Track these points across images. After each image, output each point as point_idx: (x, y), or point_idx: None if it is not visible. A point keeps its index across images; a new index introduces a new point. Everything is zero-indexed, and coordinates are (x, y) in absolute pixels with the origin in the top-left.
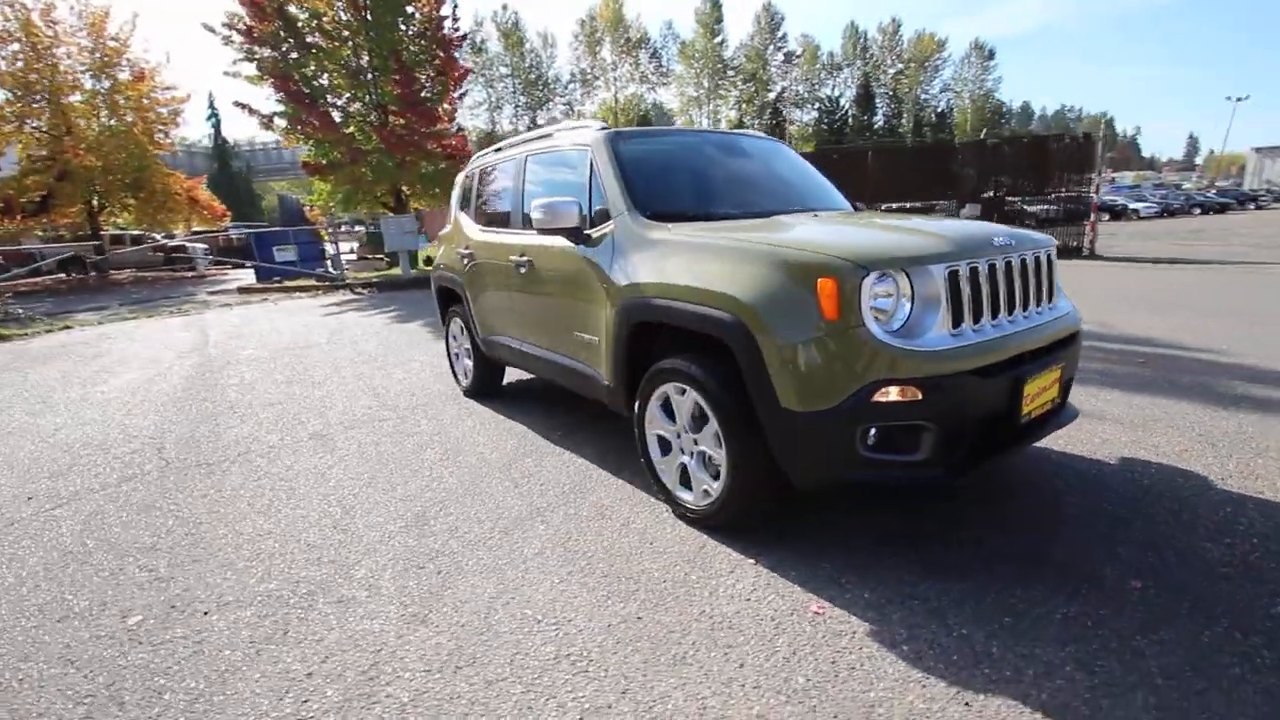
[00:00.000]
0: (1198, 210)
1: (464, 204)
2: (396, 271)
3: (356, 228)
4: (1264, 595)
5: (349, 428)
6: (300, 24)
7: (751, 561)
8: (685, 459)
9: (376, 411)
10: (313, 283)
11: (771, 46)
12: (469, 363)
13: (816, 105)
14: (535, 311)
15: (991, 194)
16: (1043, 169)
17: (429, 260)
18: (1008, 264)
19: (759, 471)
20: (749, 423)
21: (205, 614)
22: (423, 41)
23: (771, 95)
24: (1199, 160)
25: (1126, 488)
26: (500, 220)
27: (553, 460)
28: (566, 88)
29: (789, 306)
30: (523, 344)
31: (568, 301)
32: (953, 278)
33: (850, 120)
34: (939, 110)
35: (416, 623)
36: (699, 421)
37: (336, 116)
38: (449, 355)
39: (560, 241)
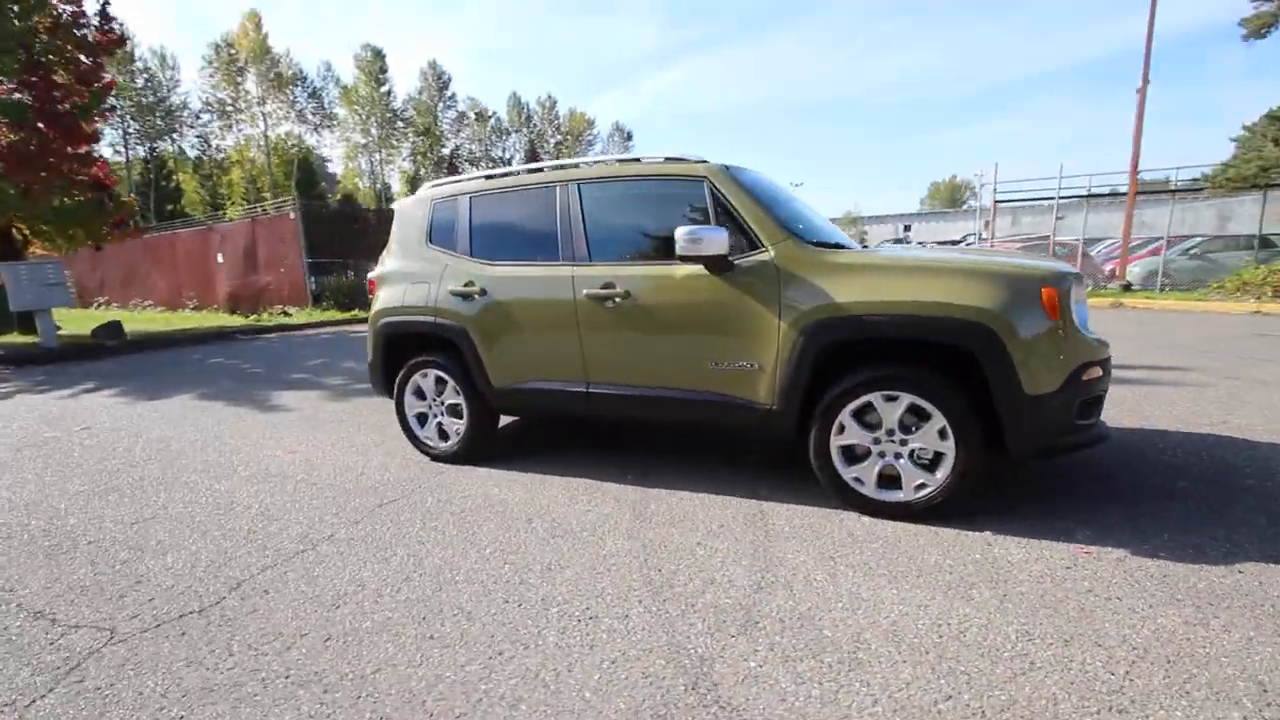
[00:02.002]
0: None
1: (432, 237)
2: (27, 339)
3: None
4: (1236, 478)
5: (352, 524)
6: None
7: (989, 534)
8: (891, 460)
9: (349, 500)
10: None
11: (441, 104)
12: (455, 422)
13: (490, 164)
14: (634, 347)
15: None
16: None
17: None
18: None
19: (979, 457)
20: (977, 414)
21: None
22: (56, 40)
23: (446, 151)
24: None
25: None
26: (537, 252)
27: (676, 500)
28: (199, 118)
29: (1025, 311)
30: (591, 387)
31: (703, 333)
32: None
33: None
34: None
35: (853, 669)
36: (909, 424)
37: None
38: (404, 420)
39: (688, 269)
